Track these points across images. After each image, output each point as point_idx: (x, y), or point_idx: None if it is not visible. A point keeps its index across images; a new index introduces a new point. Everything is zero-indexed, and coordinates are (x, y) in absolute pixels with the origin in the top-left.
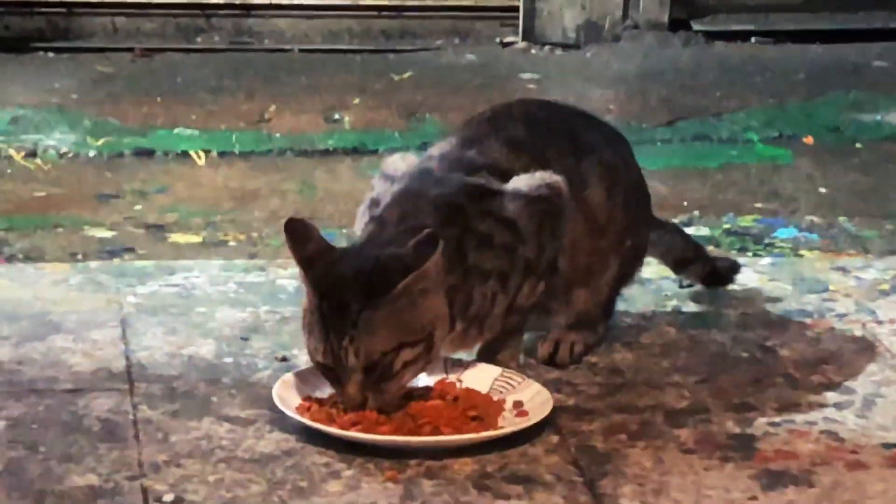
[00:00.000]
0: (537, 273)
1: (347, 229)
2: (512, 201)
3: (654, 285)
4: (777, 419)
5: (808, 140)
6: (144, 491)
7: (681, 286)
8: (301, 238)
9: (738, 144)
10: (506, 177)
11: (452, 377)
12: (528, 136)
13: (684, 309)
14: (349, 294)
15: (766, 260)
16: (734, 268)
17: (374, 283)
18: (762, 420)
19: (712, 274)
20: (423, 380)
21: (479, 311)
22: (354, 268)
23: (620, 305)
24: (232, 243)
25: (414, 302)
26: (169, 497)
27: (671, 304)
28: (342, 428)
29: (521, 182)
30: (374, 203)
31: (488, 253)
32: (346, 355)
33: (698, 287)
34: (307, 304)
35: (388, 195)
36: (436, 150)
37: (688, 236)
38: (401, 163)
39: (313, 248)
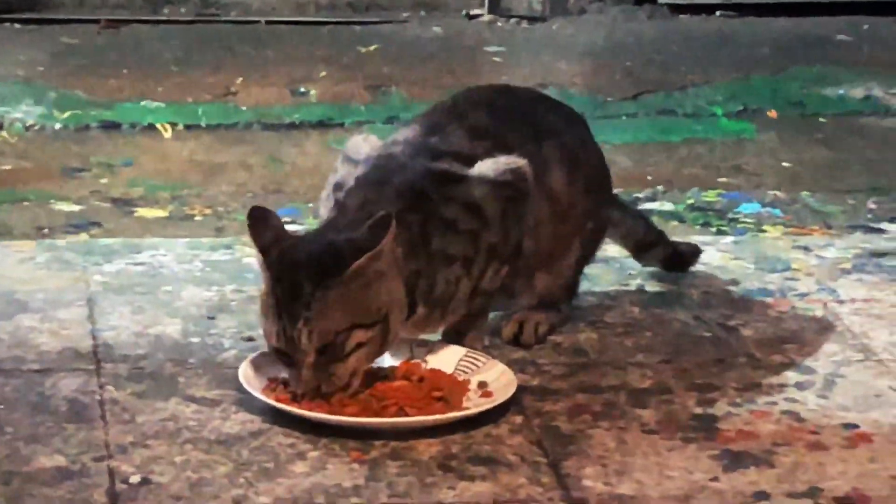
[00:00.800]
0: (502, 257)
1: (314, 203)
2: (477, 186)
3: (618, 264)
4: (738, 399)
5: (772, 114)
6: (111, 472)
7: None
8: (261, 225)
9: (703, 118)
10: (469, 163)
11: (417, 358)
12: (490, 122)
13: (648, 288)
14: (303, 276)
15: (729, 238)
16: (695, 252)
17: (328, 264)
18: (724, 400)
19: (673, 258)
20: (388, 360)
21: (443, 295)
22: (308, 251)
23: (584, 284)
24: (198, 218)
25: (368, 284)
26: (136, 478)
27: (635, 283)
28: (308, 409)
29: (486, 167)
30: (338, 187)
31: (453, 238)
32: (300, 337)
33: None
34: (264, 289)
35: (352, 179)
36: (400, 135)
37: (648, 220)
38: (364, 145)
39: (271, 235)
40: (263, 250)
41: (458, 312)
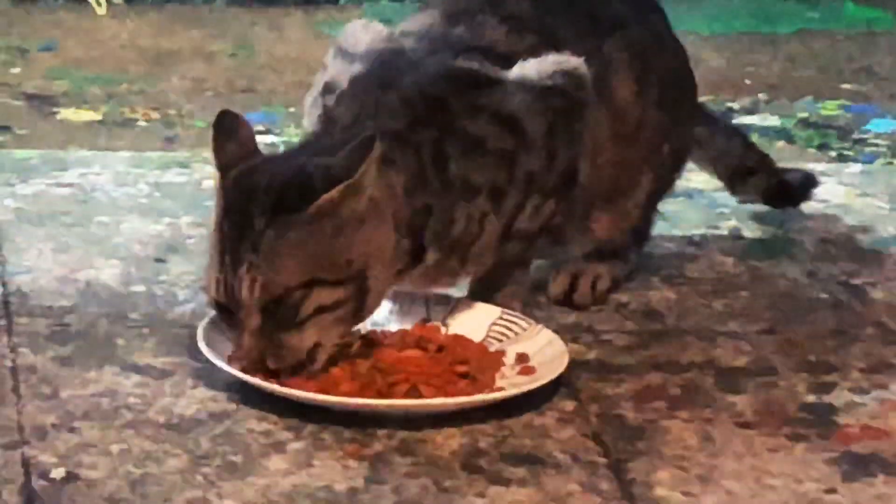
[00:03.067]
0: (545, 189)
1: (296, 107)
2: (515, 94)
3: (705, 199)
4: (865, 384)
5: None
6: (26, 463)
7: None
8: (228, 137)
9: (820, 2)
10: (506, 63)
11: (436, 320)
12: (534, 9)
13: (745, 232)
14: (254, 209)
15: (855, 167)
16: (808, 183)
17: (289, 194)
18: (845, 385)
19: (779, 190)
20: (398, 323)
21: (463, 237)
22: (270, 177)
23: (661, 226)
24: (142, 123)
25: (340, 227)
26: (59, 472)
27: (728, 225)
28: (289, 385)
29: (529, 68)
30: (329, 89)
31: (478, 161)
32: (240, 287)
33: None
34: (214, 221)
35: (346, 81)
36: (412, 23)
37: (747, 139)
38: (364, 34)
39: (236, 150)
40: (222, 169)
41: (481, 261)
